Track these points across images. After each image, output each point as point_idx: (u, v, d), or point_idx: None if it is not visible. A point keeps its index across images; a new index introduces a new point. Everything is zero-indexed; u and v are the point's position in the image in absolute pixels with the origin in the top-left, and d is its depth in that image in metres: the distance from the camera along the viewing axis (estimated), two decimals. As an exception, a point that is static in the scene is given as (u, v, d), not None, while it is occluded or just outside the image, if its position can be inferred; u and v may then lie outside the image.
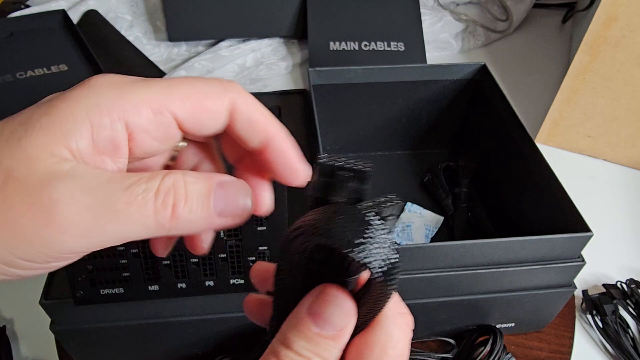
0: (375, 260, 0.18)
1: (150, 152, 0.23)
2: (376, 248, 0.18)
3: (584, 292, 0.52)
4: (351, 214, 0.19)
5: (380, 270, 0.18)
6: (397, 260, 0.19)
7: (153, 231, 0.20)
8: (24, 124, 0.20)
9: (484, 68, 0.58)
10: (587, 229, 0.40)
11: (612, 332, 0.48)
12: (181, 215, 0.20)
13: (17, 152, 0.19)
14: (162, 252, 0.27)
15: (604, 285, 0.53)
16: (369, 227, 0.18)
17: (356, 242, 0.18)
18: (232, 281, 0.38)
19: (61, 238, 0.18)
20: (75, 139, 0.20)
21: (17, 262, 0.19)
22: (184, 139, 0.24)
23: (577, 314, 0.51)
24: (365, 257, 0.18)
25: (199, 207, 0.21)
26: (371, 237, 0.18)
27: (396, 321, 0.21)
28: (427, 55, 0.81)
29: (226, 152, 0.26)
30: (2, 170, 0.18)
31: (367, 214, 0.19)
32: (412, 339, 0.47)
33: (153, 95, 0.21)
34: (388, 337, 0.21)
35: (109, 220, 0.19)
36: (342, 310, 0.20)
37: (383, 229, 0.19)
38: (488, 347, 0.45)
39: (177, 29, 0.81)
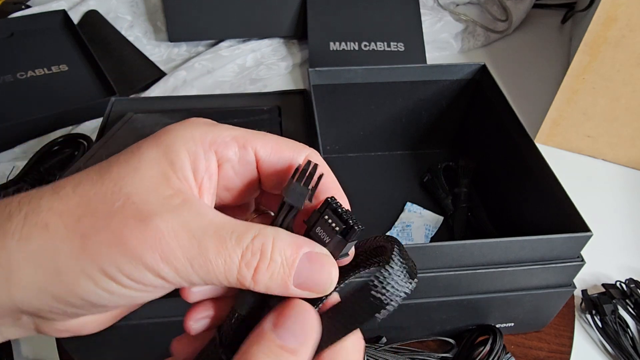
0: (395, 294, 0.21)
1: (230, 189, 0.25)
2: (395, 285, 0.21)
3: (584, 292, 0.52)
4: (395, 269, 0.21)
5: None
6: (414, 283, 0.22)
7: (233, 284, 0.21)
8: (136, 153, 0.22)
9: (483, 68, 0.58)
10: (587, 229, 0.40)
11: (611, 332, 0.48)
12: (260, 280, 0.21)
13: (136, 182, 0.21)
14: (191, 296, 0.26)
15: (603, 285, 0.53)
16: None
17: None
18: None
19: (159, 265, 0.20)
20: (182, 170, 0.22)
21: (120, 277, 0.21)
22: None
23: (576, 314, 0.51)
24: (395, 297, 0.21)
25: (279, 275, 0.21)
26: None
27: (354, 343, 0.23)
28: (427, 55, 0.81)
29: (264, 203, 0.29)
30: (122, 194, 0.21)
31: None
32: (413, 339, 0.48)
33: (239, 133, 0.24)
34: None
35: (199, 264, 0.20)
36: (306, 322, 0.21)
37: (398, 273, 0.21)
38: (488, 347, 0.45)
39: (177, 29, 0.81)
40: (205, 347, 0.25)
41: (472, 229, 0.56)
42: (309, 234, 0.23)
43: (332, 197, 0.23)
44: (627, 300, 0.51)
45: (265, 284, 0.21)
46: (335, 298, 0.24)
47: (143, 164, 0.22)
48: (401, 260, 0.21)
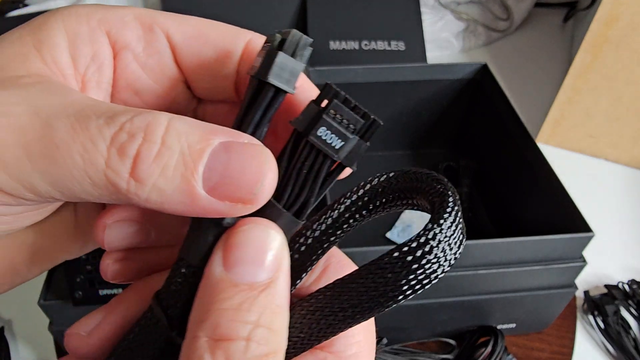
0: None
1: (138, 86, 0.17)
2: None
3: (586, 292, 0.52)
4: None
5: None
6: None
7: (104, 191, 0.14)
8: (3, 37, 0.16)
9: (484, 67, 0.58)
10: (589, 229, 0.40)
11: (613, 333, 0.48)
12: (145, 177, 0.13)
13: None
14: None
15: (605, 285, 0.53)
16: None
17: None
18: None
19: None
20: (51, 51, 0.16)
21: None
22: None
23: (578, 315, 0.51)
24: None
25: (177, 170, 0.13)
26: None
27: (367, 330, 0.17)
28: (427, 54, 0.81)
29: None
30: None
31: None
32: (413, 340, 0.47)
33: (145, 12, 0.17)
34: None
35: (41, 153, 0.13)
36: (267, 240, 0.14)
37: None
38: (489, 348, 0.45)
39: (177, 28, 0.81)
40: (136, 326, 0.17)
41: (473, 229, 0.56)
42: (302, 139, 0.15)
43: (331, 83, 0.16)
44: (629, 301, 0.51)
45: (155, 184, 0.13)
46: (341, 261, 0.18)
47: (6, 42, 0.16)
48: (459, 211, 0.15)
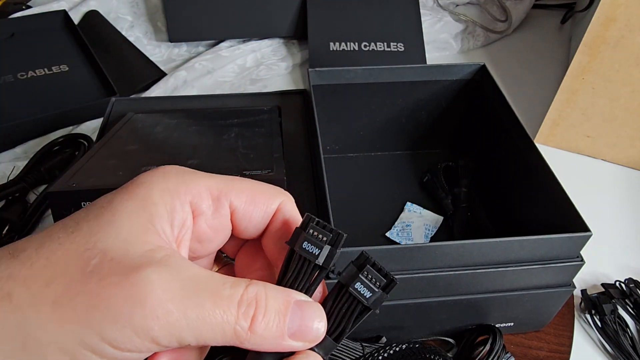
0: None
1: (202, 241, 0.24)
2: None
3: (583, 291, 0.52)
4: None
5: None
6: None
7: (228, 339, 0.20)
8: (108, 207, 0.20)
9: (483, 68, 0.58)
10: (586, 229, 0.40)
11: (611, 332, 0.49)
12: (257, 330, 0.20)
13: (111, 237, 0.19)
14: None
15: (602, 284, 0.53)
16: None
17: None
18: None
19: (149, 323, 0.18)
20: (160, 223, 0.21)
21: (102, 347, 0.18)
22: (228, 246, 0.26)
23: (576, 314, 0.51)
24: None
25: (274, 324, 0.20)
26: None
27: None
28: (426, 55, 0.81)
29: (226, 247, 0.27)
30: (97, 251, 0.19)
31: None
32: (412, 338, 0.47)
33: (213, 183, 0.23)
34: None
35: (195, 317, 0.19)
36: None
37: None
38: (487, 347, 0.45)
39: (177, 29, 0.81)
40: None
41: (471, 228, 0.56)
42: (344, 289, 0.23)
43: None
44: (626, 300, 0.51)
45: (261, 334, 0.20)
46: None
47: (118, 217, 0.20)
48: None
